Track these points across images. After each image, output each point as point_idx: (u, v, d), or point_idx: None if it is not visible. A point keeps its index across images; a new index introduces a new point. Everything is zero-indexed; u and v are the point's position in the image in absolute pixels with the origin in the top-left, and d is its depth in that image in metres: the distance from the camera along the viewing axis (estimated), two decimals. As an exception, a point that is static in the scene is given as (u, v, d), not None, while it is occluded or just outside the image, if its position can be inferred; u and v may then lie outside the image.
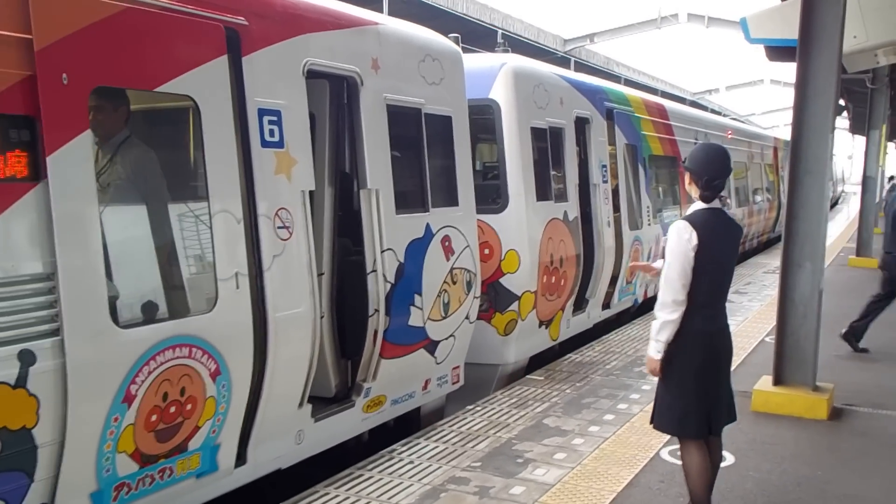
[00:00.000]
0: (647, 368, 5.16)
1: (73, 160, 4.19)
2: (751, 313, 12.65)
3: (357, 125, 6.41)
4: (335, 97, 6.49)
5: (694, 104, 41.15)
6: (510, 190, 8.88)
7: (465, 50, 8.34)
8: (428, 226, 7.11)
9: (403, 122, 6.90)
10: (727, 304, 5.16)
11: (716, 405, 4.97)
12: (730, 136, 19.71)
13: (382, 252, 6.48)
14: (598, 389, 8.38)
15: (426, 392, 7.47)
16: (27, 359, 3.95)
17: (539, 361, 9.68)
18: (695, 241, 4.79)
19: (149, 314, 4.97)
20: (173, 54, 4.80)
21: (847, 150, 72.09)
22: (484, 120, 8.96)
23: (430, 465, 6.22)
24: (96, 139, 4.71)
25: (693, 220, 4.90)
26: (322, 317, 6.00)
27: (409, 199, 6.99)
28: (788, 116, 8.10)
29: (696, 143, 14.59)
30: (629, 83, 32.20)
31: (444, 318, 7.37)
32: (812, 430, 7.21)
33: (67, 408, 4.15)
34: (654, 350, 4.96)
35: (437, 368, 7.50)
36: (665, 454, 6.43)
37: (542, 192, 9.36)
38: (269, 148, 5.42)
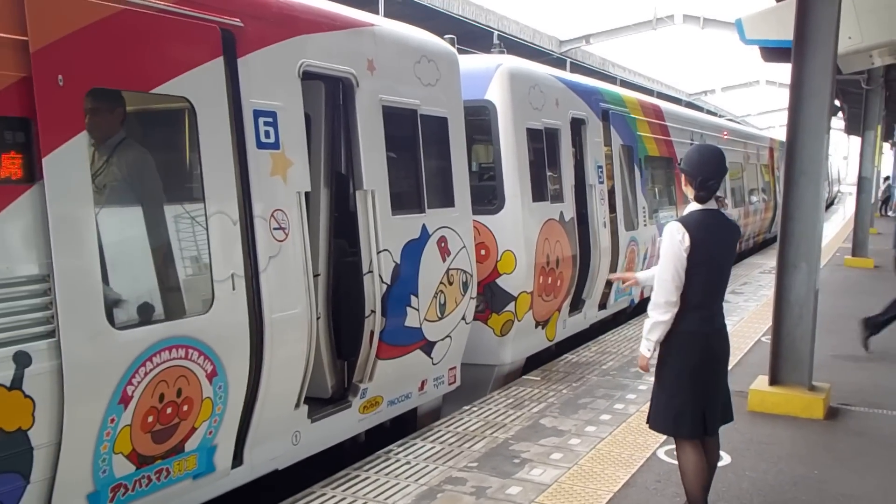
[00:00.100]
0: (638, 365, 5.20)
1: (69, 162, 4.18)
2: (747, 313, 12.66)
3: (353, 126, 6.41)
4: (331, 98, 6.50)
5: (690, 105, 41.20)
6: (506, 191, 8.89)
7: (460, 51, 8.34)
8: (424, 227, 7.11)
9: (399, 123, 6.90)
10: (724, 305, 5.17)
11: (711, 405, 4.97)
12: (726, 137, 19.73)
13: (378, 253, 6.48)
14: (594, 390, 8.38)
15: (423, 393, 7.47)
16: (23, 360, 3.95)
17: (535, 362, 9.69)
18: (687, 242, 4.80)
19: (145, 315, 4.96)
20: (169, 56, 4.80)
21: (843, 150, 72.32)
22: (480, 121, 8.96)
23: (426, 466, 6.22)
24: (92, 141, 4.72)
25: (687, 221, 4.91)
26: (318, 318, 6.01)
27: (405, 200, 6.99)
28: (784, 117, 8.10)
29: (691, 144, 14.61)
30: (625, 84, 32.20)
31: (441, 318, 7.38)
32: (808, 429, 7.22)
33: (64, 409, 4.14)
34: (645, 348, 5.02)
35: (433, 369, 7.50)
36: (661, 454, 6.44)
37: (539, 193, 9.37)
38: (265, 149, 5.42)
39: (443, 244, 7.37)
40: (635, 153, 12.76)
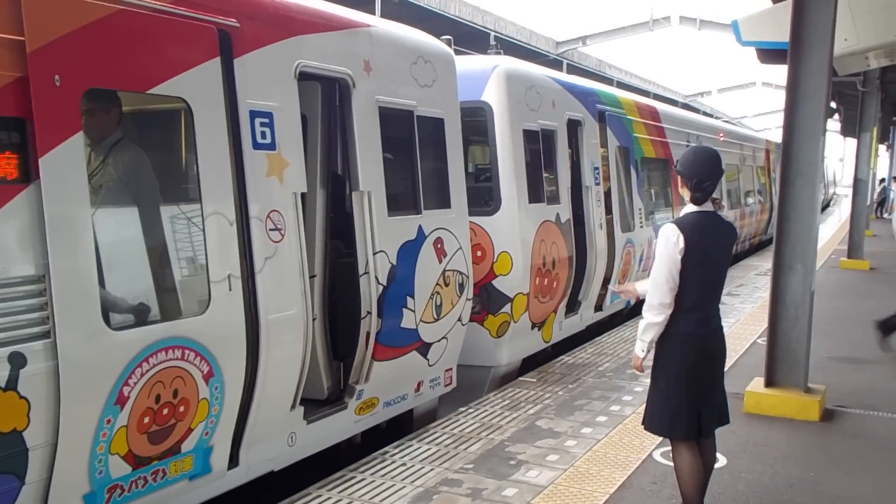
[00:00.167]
0: (633, 365, 5.22)
1: (66, 162, 4.18)
2: (743, 315, 12.67)
3: (349, 127, 6.41)
4: (327, 99, 6.49)
5: (686, 107, 41.22)
6: (502, 192, 8.89)
7: (457, 52, 8.34)
8: (420, 228, 7.11)
9: (395, 124, 6.90)
10: (720, 307, 5.17)
11: (707, 407, 4.97)
12: (722, 139, 19.76)
13: (375, 254, 6.48)
14: (590, 391, 8.38)
15: (419, 394, 7.47)
16: (18, 361, 3.94)
17: (532, 363, 9.69)
18: (682, 244, 4.80)
19: (141, 316, 4.96)
20: (166, 56, 4.79)
21: (838, 152, 72.38)
22: (476, 122, 8.96)
23: (422, 467, 6.21)
24: (89, 141, 4.71)
25: (682, 223, 4.92)
26: (314, 319, 6.00)
27: (401, 201, 6.99)
28: (780, 119, 8.11)
29: (688, 146, 14.63)
30: (621, 86, 32.24)
31: (437, 320, 7.37)
32: (804, 431, 7.22)
33: (60, 410, 4.14)
34: (640, 349, 5.05)
35: (429, 370, 7.50)
36: (657, 456, 6.44)
37: (535, 195, 9.37)
38: (261, 150, 5.42)
39: (439, 245, 7.36)
40: (631, 155, 12.77)
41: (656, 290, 4.88)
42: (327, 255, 6.53)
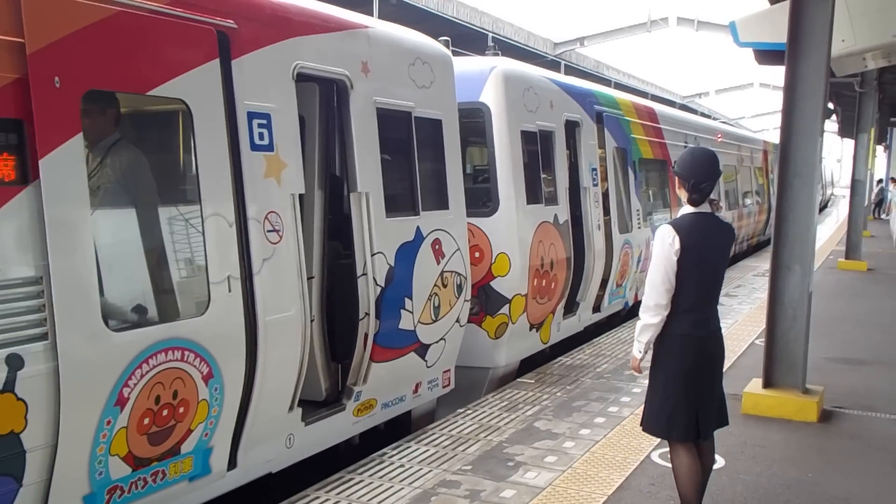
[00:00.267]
0: (631, 366, 5.22)
1: (66, 163, 4.18)
2: (740, 316, 12.68)
3: (347, 128, 6.41)
4: (325, 100, 6.49)
5: (684, 108, 41.27)
6: (500, 193, 8.89)
7: (455, 53, 8.34)
8: (418, 229, 7.11)
9: (393, 125, 6.90)
10: (718, 308, 5.17)
11: (704, 409, 4.96)
12: (719, 140, 19.77)
13: (372, 255, 6.47)
14: (588, 392, 8.38)
15: (417, 395, 7.46)
16: (15, 363, 3.93)
17: (530, 364, 9.68)
18: (677, 245, 4.80)
19: (141, 317, 4.96)
20: (166, 58, 4.80)
21: (836, 153, 72.50)
22: (474, 123, 8.96)
23: (420, 469, 6.21)
24: (88, 142, 4.70)
25: (678, 224, 4.92)
26: (312, 320, 5.99)
27: (399, 202, 6.98)
28: (778, 120, 8.12)
29: (685, 147, 14.63)
30: (619, 87, 32.26)
31: (435, 321, 7.37)
32: (802, 432, 7.23)
33: (60, 411, 4.14)
34: (637, 350, 5.07)
35: (427, 372, 7.50)
36: (655, 457, 6.44)
37: (533, 196, 9.37)
38: (259, 151, 5.41)
39: (437, 246, 7.36)
40: (629, 155, 12.77)
41: (652, 291, 4.88)
42: (325, 256, 6.53)
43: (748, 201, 23.04)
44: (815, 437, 7.15)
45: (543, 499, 5.67)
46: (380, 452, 6.57)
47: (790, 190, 7.64)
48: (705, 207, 4.99)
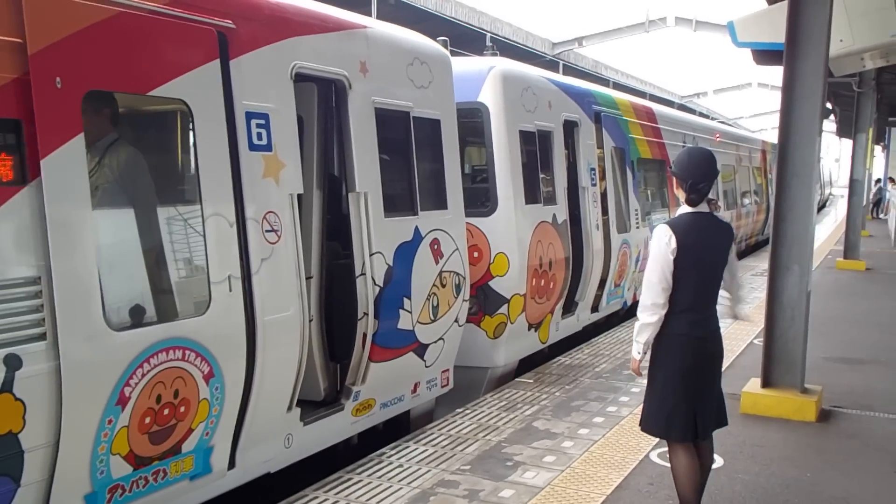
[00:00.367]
0: (630, 368, 5.22)
1: (67, 163, 4.19)
2: (739, 316, 12.65)
3: (345, 128, 6.41)
4: (323, 100, 6.48)
5: (682, 107, 41.29)
6: (499, 193, 8.89)
7: (453, 53, 8.34)
8: (417, 229, 7.11)
9: (392, 125, 6.90)
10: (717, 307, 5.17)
11: (703, 409, 4.96)
12: (718, 140, 19.78)
13: (371, 255, 6.47)
14: (587, 392, 8.38)
15: (415, 395, 7.46)
16: (13, 363, 3.93)
17: (528, 364, 9.68)
18: (674, 244, 4.80)
19: (143, 317, 4.97)
20: (167, 58, 4.80)
21: (834, 153, 72.55)
22: (472, 123, 8.96)
23: (419, 469, 6.21)
24: (90, 142, 4.70)
25: (675, 224, 4.92)
26: (311, 320, 5.99)
27: (397, 202, 6.98)
28: (776, 120, 8.12)
29: (684, 147, 14.64)
30: (617, 87, 32.28)
31: (434, 321, 7.37)
32: (800, 432, 7.23)
33: (62, 411, 4.14)
34: (636, 351, 5.05)
35: (426, 372, 7.49)
36: (654, 457, 6.44)
37: (531, 196, 9.37)
38: (257, 151, 5.41)
39: (435, 246, 7.36)
40: (627, 155, 12.78)
41: (649, 290, 4.89)
42: (324, 256, 6.52)
43: (746, 201, 23.04)
44: (814, 436, 7.15)
45: (542, 498, 5.67)
46: (378, 452, 6.57)
47: (788, 190, 7.65)
48: (703, 207, 4.98)
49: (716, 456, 5.79)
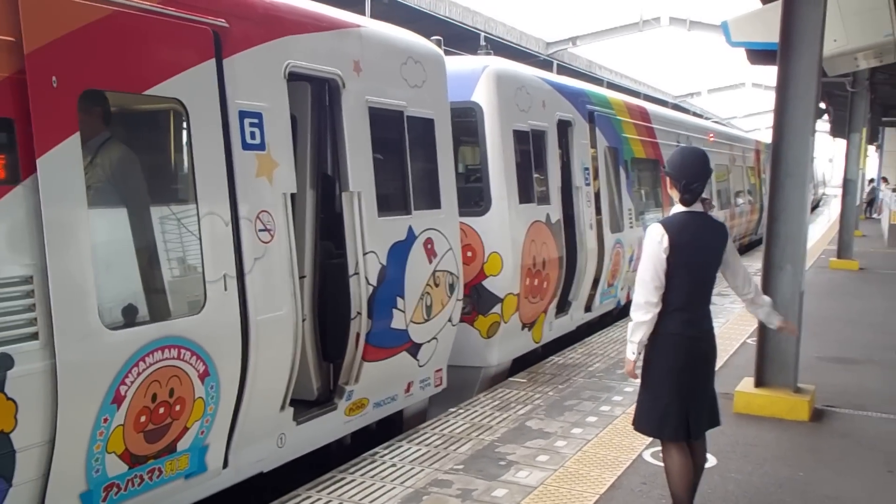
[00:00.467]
0: (624, 370, 5.20)
1: (63, 162, 4.18)
2: (732, 315, 12.69)
3: (339, 128, 6.40)
4: (317, 99, 6.48)
5: (676, 107, 41.31)
6: (493, 192, 8.89)
7: (447, 53, 8.34)
8: (410, 228, 7.10)
9: (385, 124, 6.89)
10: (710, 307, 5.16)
11: (696, 408, 4.96)
12: (711, 139, 19.80)
13: (364, 255, 6.46)
14: (580, 392, 8.39)
15: (409, 395, 7.46)
16: (5, 363, 3.92)
17: (522, 364, 9.68)
18: (666, 244, 4.81)
19: (138, 316, 4.95)
20: (162, 57, 4.79)
21: (828, 153, 72.70)
22: (466, 122, 8.96)
23: (412, 468, 6.20)
24: (85, 142, 4.69)
25: (668, 223, 4.92)
26: (304, 320, 5.98)
27: (391, 201, 6.98)
28: (770, 119, 8.14)
29: (678, 146, 14.65)
30: (611, 86, 32.30)
31: (427, 320, 7.36)
32: (793, 431, 7.24)
33: (57, 409, 4.13)
34: (630, 351, 5.02)
35: (419, 371, 7.49)
36: (647, 456, 6.45)
37: (525, 195, 9.37)
38: (251, 150, 5.40)
39: (429, 246, 7.36)
40: (621, 155, 12.79)
41: (642, 289, 4.89)
42: (317, 255, 6.51)
43: (740, 201, 23.08)
44: (807, 436, 7.16)
45: (535, 498, 5.67)
46: (371, 452, 6.56)
47: (782, 190, 7.66)
48: (697, 207, 4.99)
49: (709, 455, 5.80)
